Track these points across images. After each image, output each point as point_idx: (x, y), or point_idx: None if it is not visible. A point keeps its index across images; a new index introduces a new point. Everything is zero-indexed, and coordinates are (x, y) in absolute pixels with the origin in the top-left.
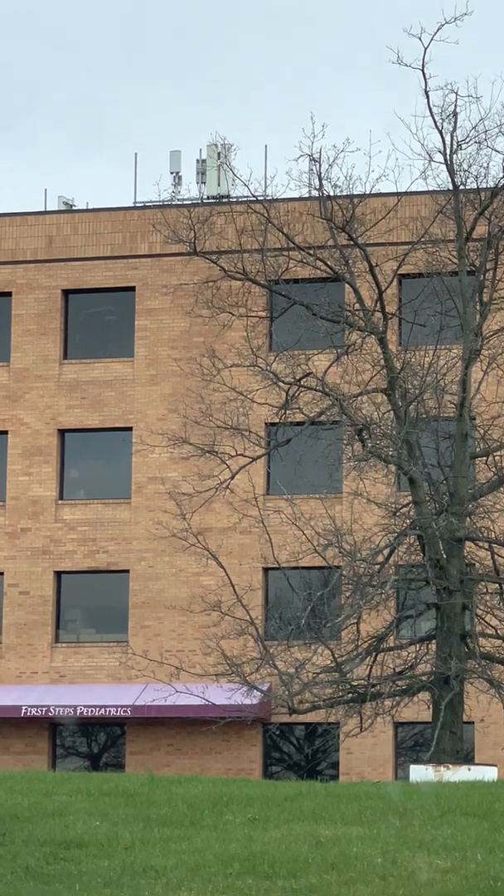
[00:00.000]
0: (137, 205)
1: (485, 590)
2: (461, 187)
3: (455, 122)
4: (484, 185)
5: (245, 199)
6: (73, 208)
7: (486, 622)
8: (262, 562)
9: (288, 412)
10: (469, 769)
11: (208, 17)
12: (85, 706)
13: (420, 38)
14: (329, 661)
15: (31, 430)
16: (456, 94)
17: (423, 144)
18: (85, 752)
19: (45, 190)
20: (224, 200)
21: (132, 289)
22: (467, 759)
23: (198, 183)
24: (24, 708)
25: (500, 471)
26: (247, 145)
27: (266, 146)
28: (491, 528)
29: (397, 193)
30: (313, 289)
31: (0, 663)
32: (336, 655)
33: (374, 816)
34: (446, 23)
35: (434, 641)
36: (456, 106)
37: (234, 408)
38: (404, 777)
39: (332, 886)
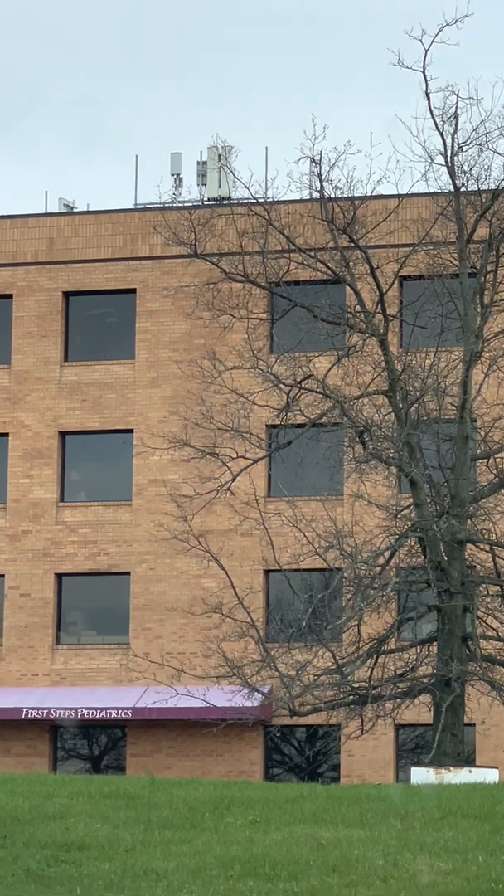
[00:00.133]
0: (138, 207)
1: (486, 592)
2: (462, 189)
3: (456, 124)
4: (485, 187)
5: (246, 201)
6: (74, 210)
7: (487, 624)
8: (263, 564)
9: (289, 414)
10: (470, 771)
11: (208, 18)
12: (86, 708)
13: (421, 40)
14: (330, 664)
15: (32, 433)
16: (457, 95)
17: (423, 146)
18: (86, 755)
19: (46, 192)
20: (225, 202)
21: (133, 291)
22: (468, 761)
23: (198, 185)
24: (24, 710)
25: (501, 473)
26: (247, 147)
27: (267, 148)
28: (492, 530)
29: (398, 195)
30: (314, 291)
31: (1, 665)
32: (337, 657)
33: (376, 819)
34: (447, 25)
35: (435, 644)
36: (457, 108)
37: (235, 410)
38: (405, 779)
39: (334, 889)
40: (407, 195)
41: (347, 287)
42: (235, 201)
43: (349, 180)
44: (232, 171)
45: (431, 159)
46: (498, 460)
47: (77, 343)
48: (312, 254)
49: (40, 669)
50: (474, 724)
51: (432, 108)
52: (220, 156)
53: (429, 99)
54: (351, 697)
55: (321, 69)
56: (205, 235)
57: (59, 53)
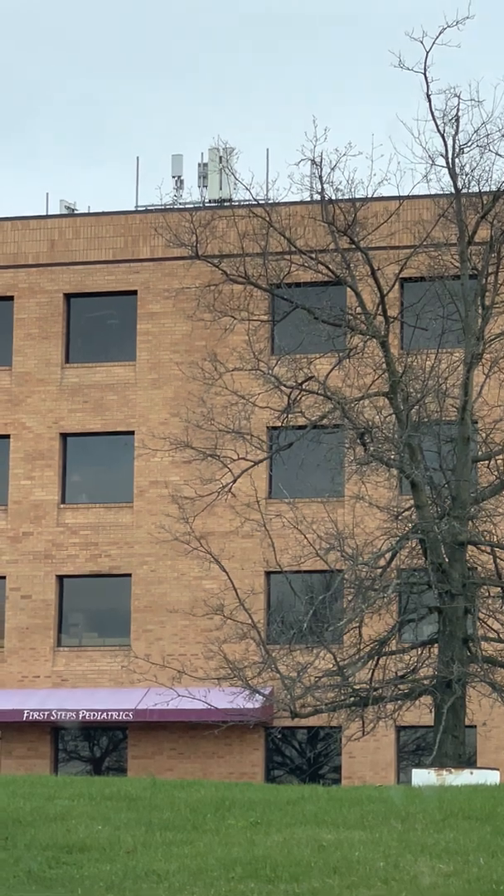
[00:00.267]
0: (139, 208)
1: (487, 593)
2: (463, 191)
3: (457, 126)
4: (486, 189)
5: (247, 202)
6: (75, 212)
7: (488, 626)
8: (264, 565)
9: (290, 416)
10: (471, 773)
11: (209, 19)
12: (87, 710)
13: (422, 42)
14: (331, 665)
15: (33, 434)
16: (458, 97)
17: (425, 148)
18: (87, 757)
19: (47, 194)
20: (226, 204)
21: (134, 292)
22: (469, 762)
23: (199, 187)
24: (26, 712)
25: (502, 474)
26: (248, 148)
27: (268, 150)
28: (493, 531)
29: (399, 197)
30: (315, 292)
31: (2, 667)
32: (338, 659)
33: (377, 820)
34: (448, 26)
35: (436, 645)
36: (458, 109)
37: (236, 411)
38: (406, 781)
39: (335, 890)
40: (408, 197)
41: (348, 289)
42: (236, 203)
43: (350, 182)
44: (233, 173)
45: (432, 161)
46: (499, 462)
47: (78, 345)
48: (313, 255)
49: (41, 671)
50: (475, 726)
51: (433, 109)
52: (220, 157)
53: (430, 100)
54: (352, 699)
55: (321, 69)
56: (206, 237)
57: (60, 55)
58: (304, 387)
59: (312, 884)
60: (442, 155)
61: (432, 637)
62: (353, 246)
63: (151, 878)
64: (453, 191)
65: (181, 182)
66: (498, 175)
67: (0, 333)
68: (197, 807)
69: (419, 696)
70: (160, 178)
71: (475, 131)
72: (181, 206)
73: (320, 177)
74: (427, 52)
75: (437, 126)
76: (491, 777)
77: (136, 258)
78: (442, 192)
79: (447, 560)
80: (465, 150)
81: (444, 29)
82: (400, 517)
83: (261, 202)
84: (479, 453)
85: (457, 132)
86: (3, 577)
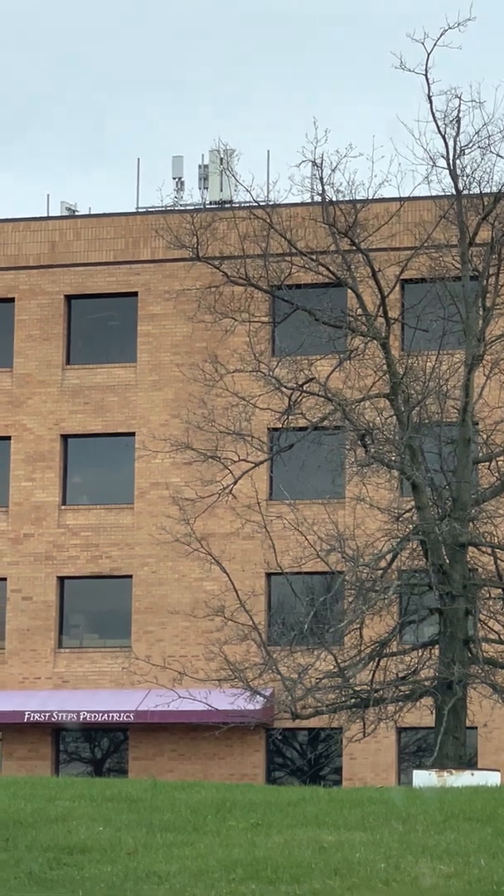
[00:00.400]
0: (140, 210)
1: (487, 595)
2: (464, 192)
3: (458, 127)
4: (487, 190)
5: (247, 204)
6: (76, 214)
7: (488, 627)
8: (264, 567)
9: (290, 417)
10: (472, 774)
11: (209, 19)
12: (88, 711)
13: (423, 44)
14: (332, 667)
15: (34, 436)
16: (459, 98)
17: (426, 149)
18: (88, 758)
19: (48, 195)
20: (226, 206)
21: (135, 294)
22: (470, 764)
23: (200, 188)
24: (27, 713)
25: (502, 476)
26: (249, 149)
27: (268, 151)
28: (494, 533)
29: (400, 198)
30: (316, 294)
31: (3, 669)
32: (339, 660)
33: (378, 822)
34: (450, 28)
35: (437, 647)
36: (459, 111)
37: (237, 413)
38: (407, 782)
39: (336, 891)
40: (409, 198)
41: (349, 290)
42: (237, 205)
43: (351, 183)
44: (233, 175)
45: (433, 162)
46: (500, 463)
47: (79, 346)
48: (314, 257)
49: (42, 673)
50: (476, 727)
51: (434, 110)
52: (221, 159)
53: (431, 102)
54: (353, 700)
55: (321, 69)
56: (206, 239)
57: (61, 57)
58: (304, 388)
59: (313, 885)
60: (443, 156)
61: (433, 638)
62: (354, 247)
63: (152, 880)
64: (454, 192)
65: (182, 184)
66: (499, 176)
67: (1, 335)
68: (198, 808)
69: (420, 698)
70: (161, 180)
71: (476, 132)
72: (182, 208)
73: (321, 178)
74: (428, 54)
75: (438, 127)
76: (492, 778)
77: (137, 260)
78: (443, 194)
79: (448, 561)
80: (466, 151)
81: (446, 30)
82: (401, 518)
83: (261, 204)
84: (480, 455)
85: (458, 133)
86: (4, 579)
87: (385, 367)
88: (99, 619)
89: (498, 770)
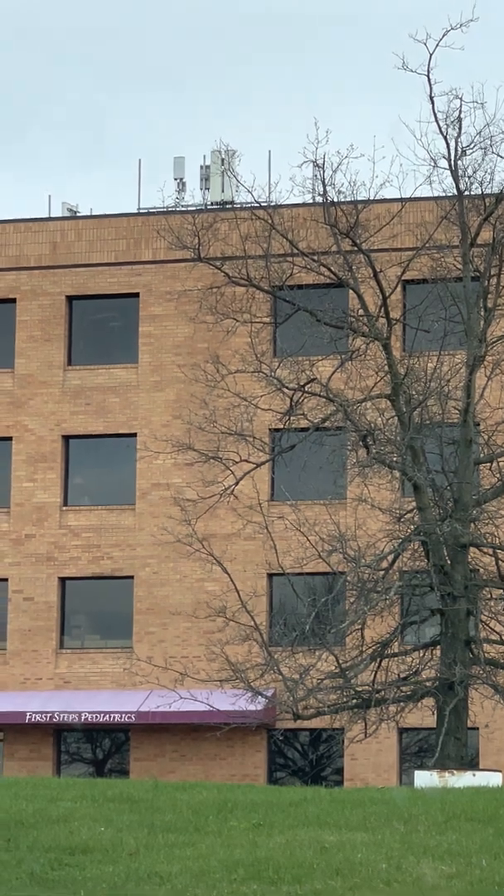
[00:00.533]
0: (141, 211)
1: (489, 595)
2: (466, 193)
3: (460, 128)
4: (488, 191)
5: (249, 205)
6: (77, 215)
7: (490, 628)
8: (266, 568)
9: (292, 418)
10: (474, 775)
11: (209, 20)
12: (89, 712)
13: (425, 44)
14: (333, 667)
15: (36, 437)
16: (460, 99)
17: (427, 150)
18: (89, 759)
19: (49, 196)
20: (228, 206)
21: (136, 295)
22: (472, 764)
23: (201, 189)
24: (28, 714)
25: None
26: (249, 150)
27: (270, 152)
28: (495, 533)
29: (401, 199)
30: (317, 295)
31: (5, 669)
32: (340, 661)
33: (379, 822)
34: (452, 28)
35: (438, 647)
36: (461, 111)
37: (239, 414)
38: (409, 783)
39: (337, 892)
40: (410, 199)
41: (351, 291)
42: (238, 205)
43: (352, 184)
44: (235, 176)
45: (435, 163)
46: (501, 464)
47: (80, 347)
48: (315, 258)
49: (44, 673)
50: (478, 728)
51: (436, 111)
52: (223, 160)
53: (433, 103)
54: (354, 701)
55: (321, 69)
56: (208, 239)
57: (62, 58)
58: (306, 389)
59: (315, 885)
60: (444, 157)
61: (434, 639)
62: (356, 248)
63: (154, 880)
64: (456, 193)
65: (183, 184)
66: (500, 177)
67: (2, 336)
68: (199, 809)
69: (421, 698)
70: (162, 181)
71: (478, 133)
72: (183, 209)
73: (322, 179)
74: (430, 55)
75: (439, 128)
76: (493, 779)
77: (139, 260)
78: (444, 195)
79: (449, 562)
80: (468, 152)
81: (448, 31)
82: (402, 519)
83: (263, 204)
84: (482, 455)
85: (459, 134)
86: (6, 580)
87: (386, 368)
88: (100, 619)
89: (499, 771)
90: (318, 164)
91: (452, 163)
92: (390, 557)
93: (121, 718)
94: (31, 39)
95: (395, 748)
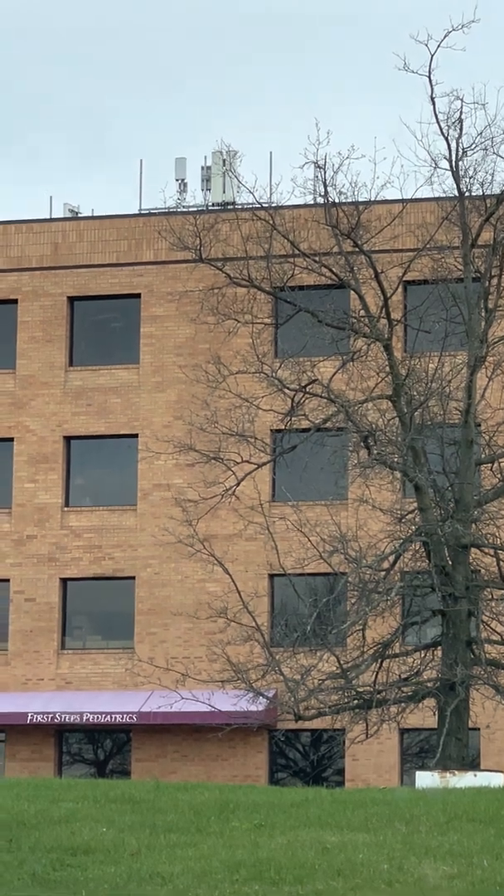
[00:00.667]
0: (143, 212)
1: (490, 596)
2: (467, 194)
3: (461, 129)
4: (489, 192)
5: (250, 205)
6: (79, 215)
7: (491, 628)
8: (267, 568)
9: (293, 419)
10: (475, 775)
11: (209, 20)
12: (91, 713)
13: (426, 45)
14: (335, 668)
15: (37, 437)
16: (461, 100)
17: (428, 151)
18: (91, 759)
19: (51, 197)
20: (229, 207)
21: (137, 296)
22: (473, 765)
23: (203, 190)
24: (30, 715)
25: None
26: (250, 150)
27: (271, 153)
28: (496, 534)
29: (403, 200)
30: (318, 295)
31: (6, 670)
32: (342, 662)
33: (380, 823)
34: (454, 29)
35: (440, 648)
36: (461, 112)
37: (240, 414)
38: (410, 783)
39: (339, 892)
40: (411, 200)
41: (352, 292)
42: (240, 206)
43: (353, 185)
44: (236, 176)
45: (436, 164)
46: (502, 464)
47: (82, 348)
48: (317, 258)
49: (45, 674)
50: (479, 728)
51: (437, 112)
52: (224, 161)
53: (434, 103)
54: (356, 702)
55: (321, 69)
56: (209, 240)
57: (64, 59)
58: (307, 390)
59: (316, 886)
60: (445, 158)
61: (436, 640)
62: (357, 249)
63: (155, 881)
64: (457, 193)
65: (184, 185)
66: (501, 178)
67: (4, 336)
68: (201, 809)
69: (423, 699)
70: (163, 182)
71: (479, 134)
72: (184, 210)
73: (324, 180)
74: (432, 56)
75: (440, 129)
76: (494, 779)
77: (140, 261)
78: (445, 195)
79: (450, 563)
80: (469, 152)
81: (449, 32)
82: (403, 520)
83: (264, 205)
84: (483, 456)
85: (460, 135)
86: (7, 580)
87: (388, 369)
88: (102, 620)
89: (501, 771)
90: (319, 165)
91: (453, 164)
92: (391, 558)
93: (122, 719)
94: (32, 40)
95: (397, 749)
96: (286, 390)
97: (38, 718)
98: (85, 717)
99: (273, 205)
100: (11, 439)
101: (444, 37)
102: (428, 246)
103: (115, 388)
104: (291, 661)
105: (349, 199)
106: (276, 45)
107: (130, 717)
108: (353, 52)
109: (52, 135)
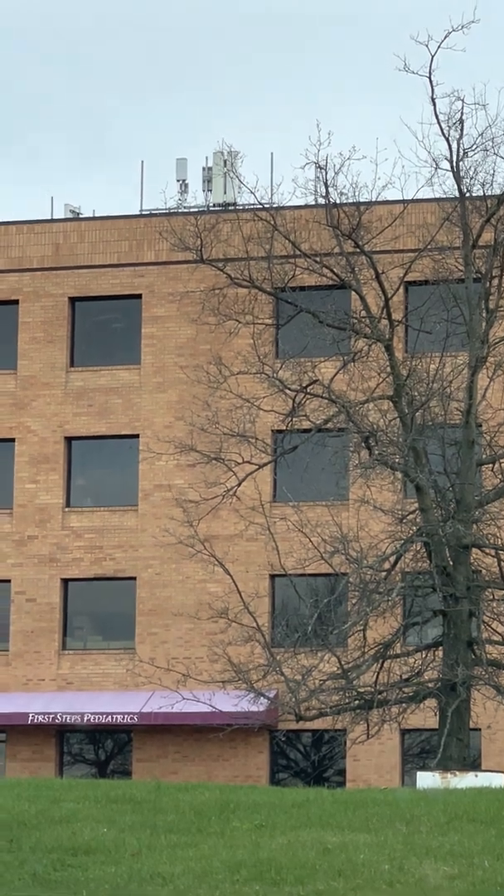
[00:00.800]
0: (144, 213)
1: (491, 596)
2: (467, 194)
3: (461, 130)
4: (490, 192)
5: (251, 206)
6: (80, 216)
7: (492, 629)
8: (268, 569)
9: (294, 419)
10: (476, 776)
11: (209, 20)
12: (92, 713)
13: (427, 46)
14: (336, 668)
15: (38, 438)
16: (462, 101)
17: (429, 152)
18: (92, 760)
19: (52, 198)
20: (230, 208)
21: (139, 296)
22: (474, 765)
23: (204, 190)
24: (30, 715)
25: None
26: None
27: (272, 154)
28: (497, 534)
29: (403, 201)
30: (319, 296)
31: (7, 670)
32: (343, 662)
33: (381, 823)
34: (454, 30)
35: (441, 648)
36: (462, 113)
37: (241, 415)
38: (411, 784)
39: (339, 893)
40: (412, 200)
41: (353, 292)
42: (241, 207)
43: (354, 185)
44: (237, 177)
45: (437, 164)
46: (503, 465)
47: (83, 348)
48: (318, 259)
49: (46, 674)
50: (480, 729)
51: (438, 113)
52: (225, 161)
53: (434, 104)
54: (357, 702)
55: (321, 70)
56: (210, 241)
57: (65, 59)
58: (308, 390)
59: (317, 886)
60: (446, 158)
61: (437, 640)
62: (358, 249)
63: (156, 881)
64: (457, 194)
65: (185, 186)
66: (502, 179)
67: (5, 337)
68: (201, 809)
69: (424, 699)
70: (164, 182)
71: (479, 135)
72: (186, 210)
73: (325, 181)
74: (432, 56)
75: (441, 129)
76: (496, 780)
77: (141, 262)
78: (446, 196)
79: (451, 563)
80: (470, 153)
81: (449, 33)
82: (404, 520)
83: (265, 206)
84: (484, 456)
85: (461, 136)
86: (8, 581)
87: (389, 370)
88: (103, 620)
89: (502, 772)
90: (320, 166)
91: (454, 164)
92: (392, 558)
93: (123, 719)
94: (31, 40)
95: (398, 749)
96: (287, 391)
97: (39, 719)
98: (86, 718)
99: (274, 205)
100: (13, 440)
101: (445, 37)
102: (429, 246)
103: (116, 389)
104: (292, 662)
105: (350, 200)
106: (276, 45)
107: (131, 718)
108: (353, 52)
109: (52, 135)
